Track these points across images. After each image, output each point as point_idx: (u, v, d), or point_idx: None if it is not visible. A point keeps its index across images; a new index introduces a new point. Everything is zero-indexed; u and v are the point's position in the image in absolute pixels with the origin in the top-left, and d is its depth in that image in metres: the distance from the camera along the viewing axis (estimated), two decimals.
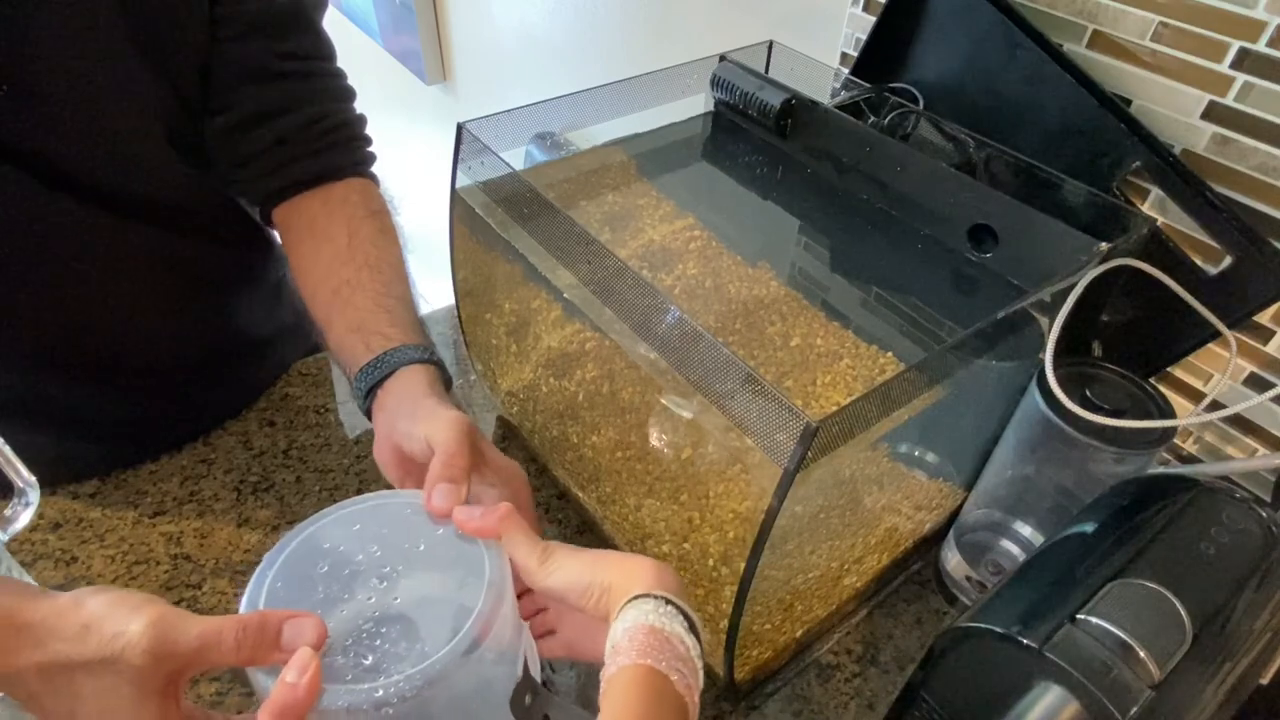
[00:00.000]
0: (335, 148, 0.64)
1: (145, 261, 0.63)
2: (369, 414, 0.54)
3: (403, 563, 0.39)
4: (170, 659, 0.33)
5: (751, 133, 0.71)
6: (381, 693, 0.33)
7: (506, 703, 0.38)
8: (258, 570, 0.37)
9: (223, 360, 0.72)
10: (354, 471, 0.69)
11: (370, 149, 0.68)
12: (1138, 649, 0.36)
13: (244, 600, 0.36)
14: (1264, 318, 0.54)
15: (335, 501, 0.66)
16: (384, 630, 0.36)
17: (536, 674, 0.41)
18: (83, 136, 0.54)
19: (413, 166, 1.95)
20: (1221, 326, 0.52)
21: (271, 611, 0.35)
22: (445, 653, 0.35)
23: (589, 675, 0.56)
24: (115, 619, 0.33)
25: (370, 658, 0.35)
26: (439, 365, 0.55)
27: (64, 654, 0.33)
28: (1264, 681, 0.40)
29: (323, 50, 0.64)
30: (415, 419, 0.47)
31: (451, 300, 0.70)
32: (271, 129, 0.61)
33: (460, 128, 0.57)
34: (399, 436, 0.48)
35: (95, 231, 0.58)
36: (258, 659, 0.33)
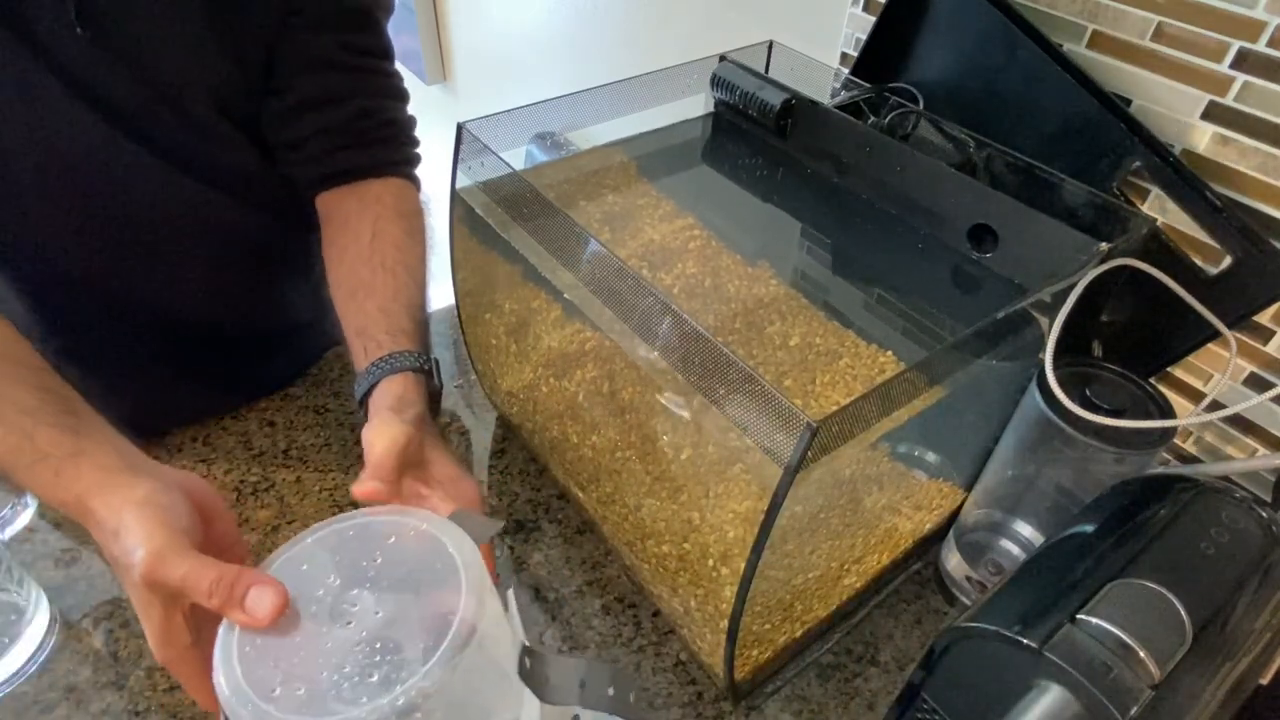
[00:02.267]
0: (380, 143, 0.66)
1: (208, 224, 0.65)
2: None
3: (367, 581, 0.39)
4: (160, 587, 0.40)
5: (751, 133, 0.71)
6: (402, 700, 0.33)
7: (515, 674, 0.39)
8: (220, 637, 0.37)
9: (260, 337, 0.75)
10: (354, 471, 0.68)
11: (416, 150, 0.70)
12: (1138, 649, 0.36)
13: (216, 665, 0.36)
14: (1264, 318, 0.54)
15: (335, 502, 0.66)
16: (373, 655, 0.36)
17: (522, 637, 0.41)
18: (151, 91, 0.56)
19: None
20: (1221, 326, 0.52)
21: (246, 572, 0.38)
22: (445, 647, 0.35)
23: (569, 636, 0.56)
24: (133, 537, 0.40)
25: (374, 675, 0.35)
26: (426, 371, 0.56)
27: (108, 547, 0.42)
28: (1264, 681, 0.40)
29: (383, 49, 0.67)
30: (369, 428, 0.49)
31: (451, 300, 0.70)
32: (323, 116, 0.63)
33: (460, 128, 0.57)
34: (364, 445, 0.50)
35: (160, 184, 0.60)
36: (225, 609, 0.38)
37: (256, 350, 0.74)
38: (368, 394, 0.54)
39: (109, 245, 0.61)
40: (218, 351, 0.73)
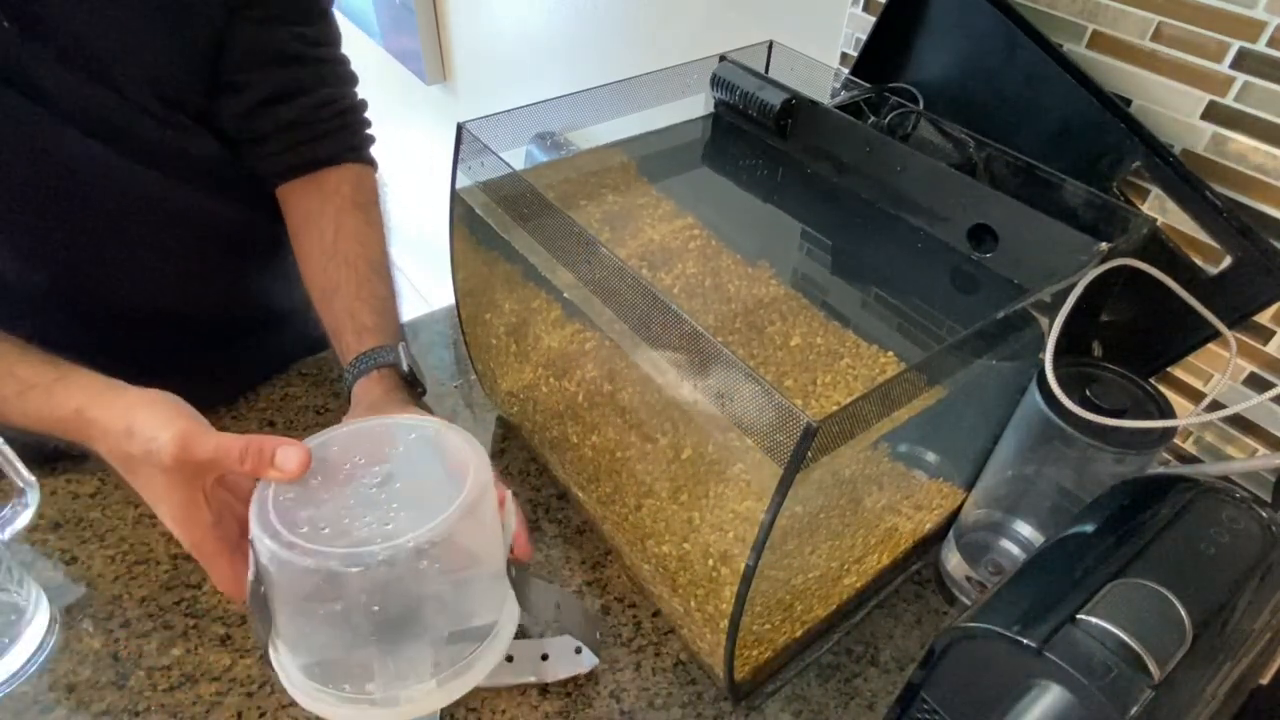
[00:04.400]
0: (340, 132, 0.68)
1: (173, 214, 0.64)
2: None
3: (389, 461, 0.45)
4: (191, 464, 0.43)
5: (751, 133, 0.71)
6: (419, 537, 0.39)
7: (502, 575, 0.46)
8: (255, 494, 0.42)
9: (240, 329, 0.75)
10: None
11: (370, 131, 0.71)
12: (1138, 649, 0.36)
13: (252, 517, 0.41)
14: (1264, 318, 0.54)
15: None
16: (387, 517, 0.42)
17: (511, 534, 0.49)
18: (90, 80, 0.55)
19: (413, 166, 1.95)
20: (1221, 326, 0.52)
21: (269, 437, 0.43)
22: (453, 510, 0.41)
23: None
24: (151, 426, 0.43)
25: (391, 524, 0.41)
26: (391, 364, 0.60)
27: (119, 447, 0.45)
28: (1264, 681, 0.40)
29: (333, 37, 0.67)
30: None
31: (451, 300, 0.70)
32: (288, 109, 0.64)
33: (460, 128, 0.57)
34: None
35: (115, 173, 0.59)
36: (257, 471, 0.42)
37: (234, 341, 0.74)
38: (348, 394, 0.60)
39: (70, 237, 0.60)
40: (194, 343, 0.73)
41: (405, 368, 0.60)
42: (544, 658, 0.55)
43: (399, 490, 0.43)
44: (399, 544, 0.39)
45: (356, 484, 0.43)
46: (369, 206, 0.68)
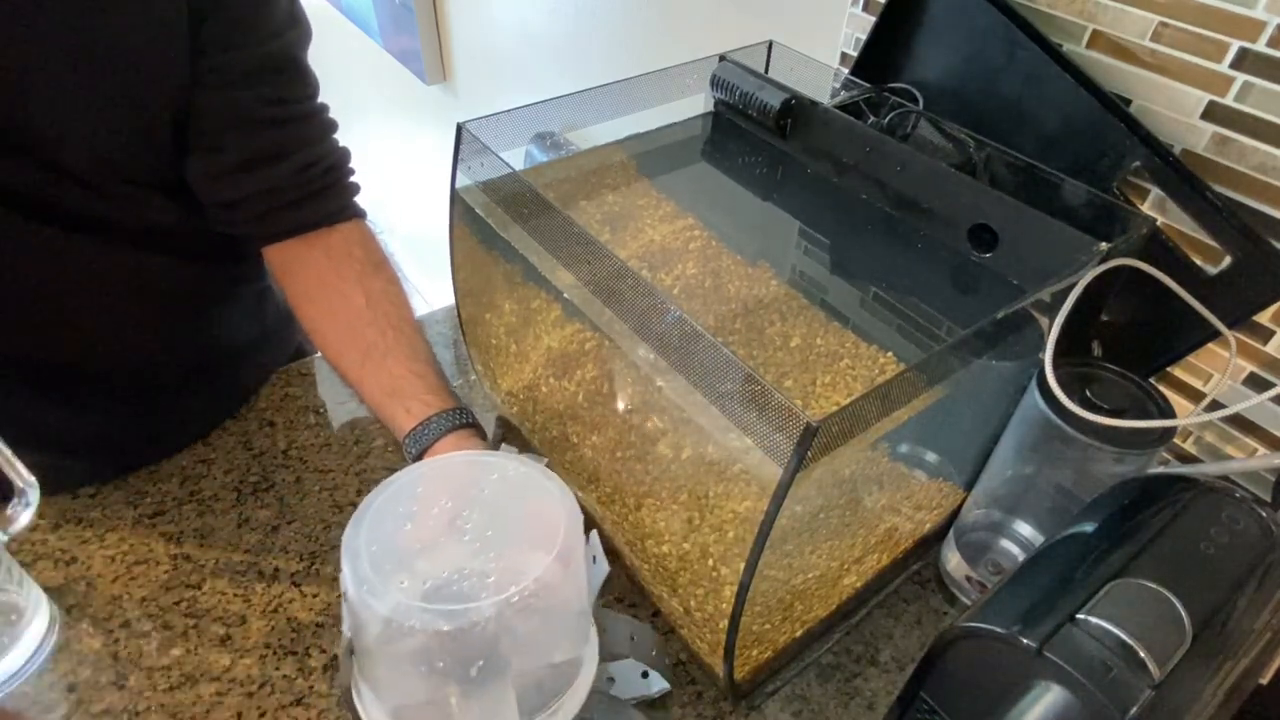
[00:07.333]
0: (326, 192, 0.65)
1: (123, 281, 0.62)
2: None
3: (477, 505, 0.44)
4: None
5: (751, 133, 0.71)
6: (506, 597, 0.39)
7: (588, 611, 0.46)
8: (347, 539, 0.41)
9: (205, 370, 0.72)
10: (354, 471, 0.69)
11: (354, 180, 0.68)
12: (1138, 649, 0.36)
13: (347, 567, 0.39)
14: (1264, 318, 0.54)
15: (335, 502, 0.67)
16: (475, 565, 0.42)
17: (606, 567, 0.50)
18: (20, 153, 0.53)
19: (413, 166, 1.95)
20: (1221, 326, 0.52)
21: None
22: (549, 564, 0.40)
23: None
24: None
25: (471, 583, 0.41)
26: (475, 424, 0.61)
27: None
28: (1264, 681, 0.40)
29: (309, 91, 0.64)
30: None
31: (451, 300, 0.70)
32: (263, 176, 0.61)
33: (460, 128, 0.57)
34: None
35: (67, 251, 0.58)
36: None
37: (188, 384, 0.71)
38: (427, 449, 0.59)
39: (16, 303, 0.58)
40: (150, 391, 0.69)
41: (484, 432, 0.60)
42: (610, 680, 0.53)
43: (492, 538, 0.42)
44: (503, 599, 0.38)
45: (449, 531, 0.42)
46: (383, 265, 0.66)
